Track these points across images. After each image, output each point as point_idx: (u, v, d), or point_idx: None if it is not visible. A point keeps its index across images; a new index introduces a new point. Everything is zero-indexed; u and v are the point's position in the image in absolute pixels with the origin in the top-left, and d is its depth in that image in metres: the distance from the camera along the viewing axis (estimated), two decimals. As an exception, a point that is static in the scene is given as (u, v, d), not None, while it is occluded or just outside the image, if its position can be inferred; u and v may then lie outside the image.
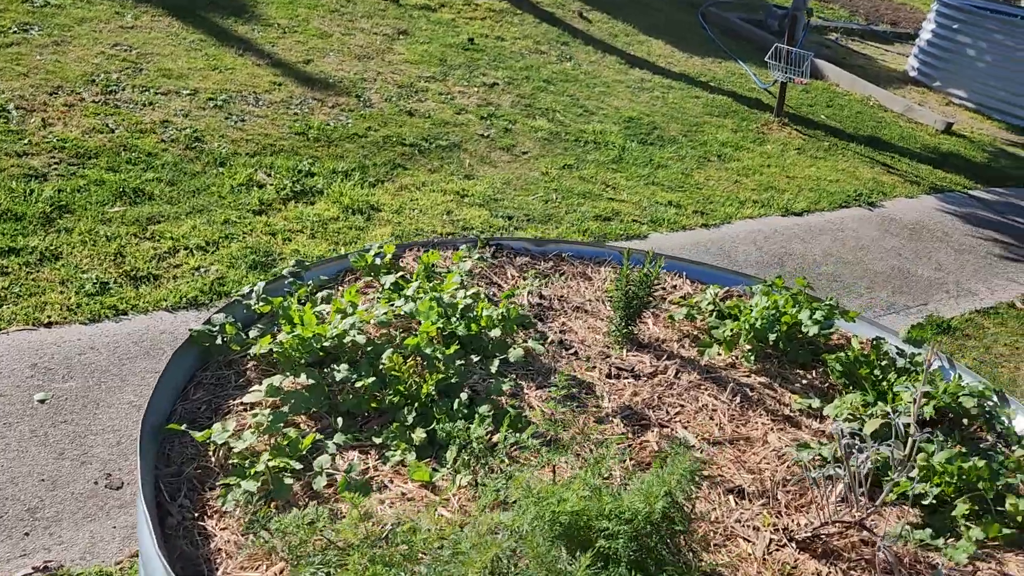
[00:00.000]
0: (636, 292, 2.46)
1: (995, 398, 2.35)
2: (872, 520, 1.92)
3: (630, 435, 2.10)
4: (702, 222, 6.29)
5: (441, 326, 2.29)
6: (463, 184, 6.16)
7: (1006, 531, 1.88)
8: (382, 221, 5.49)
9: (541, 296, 2.74)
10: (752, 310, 2.57)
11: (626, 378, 2.34)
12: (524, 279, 2.83)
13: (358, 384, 2.04)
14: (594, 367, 2.37)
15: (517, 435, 1.87)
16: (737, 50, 10.61)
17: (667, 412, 2.23)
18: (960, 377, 2.39)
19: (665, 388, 2.32)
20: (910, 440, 1.74)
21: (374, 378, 2.04)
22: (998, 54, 9.77)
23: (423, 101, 7.31)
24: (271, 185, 5.55)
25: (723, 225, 6.32)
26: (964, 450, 2.19)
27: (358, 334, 2.11)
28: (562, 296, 2.77)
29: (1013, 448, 2.21)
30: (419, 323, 2.31)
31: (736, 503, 1.95)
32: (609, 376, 2.34)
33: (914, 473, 1.91)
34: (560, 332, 2.54)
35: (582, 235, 5.77)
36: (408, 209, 5.69)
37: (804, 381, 2.47)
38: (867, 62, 11.80)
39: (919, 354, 2.53)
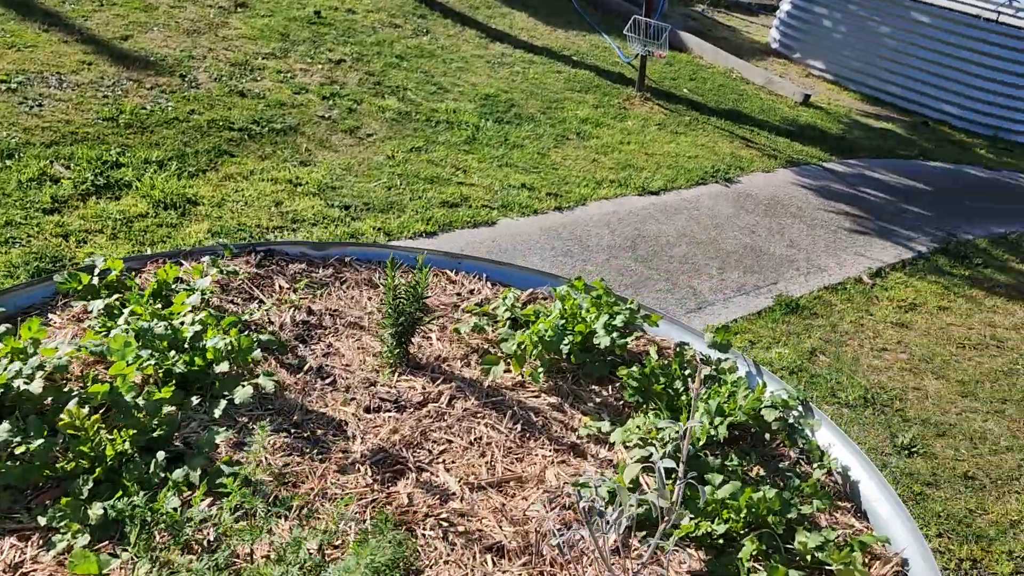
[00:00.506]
0: (405, 306, 2.12)
1: (800, 408, 2.14)
2: (649, 573, 1.66)
3: (377, 486, 1.77)
4: (556, 205, 6.02)
5: (157, 362, 1.88)
6: (297, 171, 5.67)
7: (794, 573, 1.65)
8: (199, 216, 4.94)
9: (310, 311, 2.36)
10: (547, 318, 2.28)
11: (388, 411, 2.00)
12: (295, 291, 2.44)
13: (21, 449, 1.61)
14: (352, 399, 2.02)
15: (207, 510, 1.49)
16: (603, 22, 10.41)
17: (430, 451, 1.90)
18: (765, 385, 2.17)
19: (434, 420, 1.99)
20: (677, 487, 1.47)
21: (43, 439, 1.62)
22: (853, 24, 9.95)
23: (259, 80, 6.72)
24: (68, 179, 4.90)
25: (577, 208, 6.08)
26: (762, 473, 1.97)
27: (26, 383, 1.68)
28: (336, 310, 2.40)
29: (814, 466, 2.01)
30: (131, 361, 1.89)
31: (494, 564, 1.65)
32: (368, 410, 2.00)
33: (686, 521, 1.66)
34: (323, 356, 2.18)
35: (426, 223, 5.40)
36: (231, 202, 5.16)
37: (599, 399, 2.20)
38: (732, 34, 11.86)
39: (726, 359, 2.31)
